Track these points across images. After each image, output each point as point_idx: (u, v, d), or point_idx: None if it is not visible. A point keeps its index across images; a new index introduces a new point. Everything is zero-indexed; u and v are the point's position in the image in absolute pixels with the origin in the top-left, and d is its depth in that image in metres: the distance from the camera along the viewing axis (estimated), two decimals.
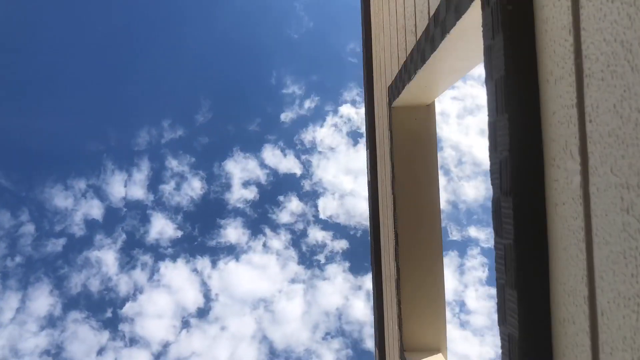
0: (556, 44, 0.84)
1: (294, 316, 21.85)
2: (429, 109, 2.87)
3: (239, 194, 23.15)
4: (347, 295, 22.16)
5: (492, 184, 1.04)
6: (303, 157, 24.11)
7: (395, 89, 2.77)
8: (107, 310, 20.99)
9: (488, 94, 1.05)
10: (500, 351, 1.02)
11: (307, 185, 23.72)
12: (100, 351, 20.21)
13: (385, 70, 3.20)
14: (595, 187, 0.73)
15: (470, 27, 1.42)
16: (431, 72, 2.09)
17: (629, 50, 0.63)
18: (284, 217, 23.27)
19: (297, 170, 23.74)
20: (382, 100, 3.36)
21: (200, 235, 22.98)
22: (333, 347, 21.15)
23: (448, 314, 2.92)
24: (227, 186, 23.16)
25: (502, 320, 1.00)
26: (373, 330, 4.03)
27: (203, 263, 22.22)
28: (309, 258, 23.05)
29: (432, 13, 1.78)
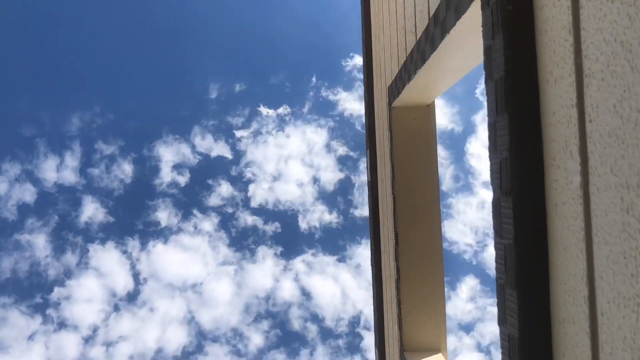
0: (556, 44, 0.84)
1: (223, 298, 22.06)
2: (429, 109, 2.87)
3: (170, 177, 23.03)
4: (277, 278, 22.43)
5: (492, 184, 1.04)
6: (233, 141, 24.13)
7: (395, 89, 2.77)
8: (36, 294, 20.94)
9: (488, 94, 1.05)
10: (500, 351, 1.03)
11: (237, 169, 23.76)
12: (31, 336, 20.14)
13: (385, 70, 3.20)
14: (595, 187, 0.73)
15: (470, 27, 1.42)
16: (431, 72, 2.09)
17: (629, 50, 0.63)
18: (214, 200, 23.25)
19: (228, 154, 23.72)
20: (382, 100, 3.36)
21: (130, 218, 22.91)
22: (261, 329, 21.49)
23: None
24: (157, 169, 23.02)
25: (502, 320, 1.00)
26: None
27: (133, 246, 22.19)
28: (239, 241, 23.25)
29: (432, 13, 1.78)
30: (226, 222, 23.08)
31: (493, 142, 1.03)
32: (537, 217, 0.91)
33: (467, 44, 1.62)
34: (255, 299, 21.83)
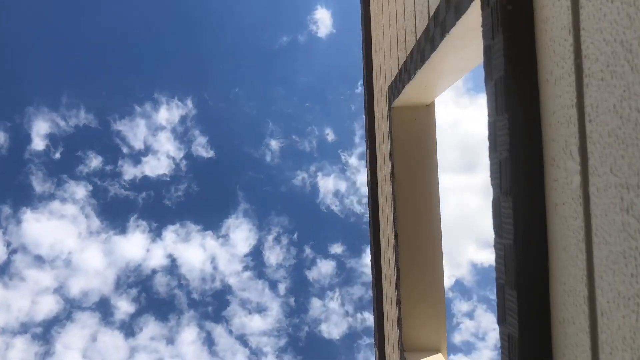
0: (556, 44, 0.84)
1: (93, 268, 22.37)
2: (429, 109, 2.87)
3: (40, 146, 22.84)
4: (147, 247, 22.88)
5: (492, 184, 1.04)
6: (107, 112, 24.10)
7: (395, 89, 2.77)
8: None
9: (488, 94, 1.05)
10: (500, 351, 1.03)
11: (109, 140, 23.75)
12: None
13: (385, 70, 3.20)
14: (595, 187, 0.73)
15: (470, 27, 1.42)
16: (431, 72, 2.09)
17: (629, 50, 0.63)
18: (84, 170, 23.33)
19: (99, 125, 23.64)
20: (382, 100, 3.36)
21: None
22: (131, 296, 21.97)
23: None
24: (28, 138, 22.78)
25: (502, 320, 1.00)
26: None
27: (2, 215, 22.20)
28: (109, 211, 23.43)
29: (432, 13, 1.78)
30: (97, 192, 23.31)
31: (493, 142, 1.03)
32: (537, 217, 0.91)
33: (467, 44, 1.62)
34: (124, 268, 22.33)
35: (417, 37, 2.09)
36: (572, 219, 0.80)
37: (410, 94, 2.61)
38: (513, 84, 0.94)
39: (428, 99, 2.76)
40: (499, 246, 1.01)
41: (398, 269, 2.84)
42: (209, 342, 21.61)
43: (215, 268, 22.73)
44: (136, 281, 22.18)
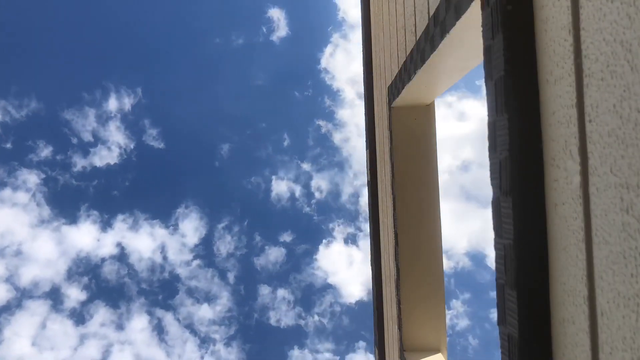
0: (556, 44, 0.84)
1: (43, 256, 22.52)
2: (429, 108, 2.87)
3: None
4: (97, 237, 23.08)
5: (492, 184, 1.04)
6: (57, 101, 24.16)
7: (395, 89, 2.77)
8: None
9: (488, 94, 1.05)
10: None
11: (58, 128, 23.75)
12: None
13: (385, 70, 3.20)
14: (595, 187, 0.73)
15: (470, 27, 1.42)
16: (431, 72, 2.09)
17: (629, 50, 0.63)
18: (35, 159, 23.31)
19: (49, 114, 23.70)
20: (382, 100, 3.36)
21: None
22: (80, 285, 22.24)
23: None
24: None
25: (502, 320, 1.00)
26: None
27: None
28: (60, 201, 23.54)
29: (431, 13, 1.78)
30: (48, 181, 23.38)
31: (493, 142, 1.03)
32: (537, 217, 0.91)
33: (467, 44, 1.62)
34: (75, 257, 22.57)
35: (417, 37, 2.09)
36: (572, 219, 0.80)
37: (410, 94, 2.61)
38: (513, 84, 0.94)
39: (428, 99, 2.76)
40: (499, 246, 1.01)
41: (398, 269, 2.84)
42: (159, 330, 21.97)
43: (164, 257, 23.10)
44: (86, 270, 22.49)
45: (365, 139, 4.16)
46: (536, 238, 0.91)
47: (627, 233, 0.64)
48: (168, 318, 22.06)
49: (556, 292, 0.87)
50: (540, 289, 0.90)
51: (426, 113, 2.87)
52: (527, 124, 0.93)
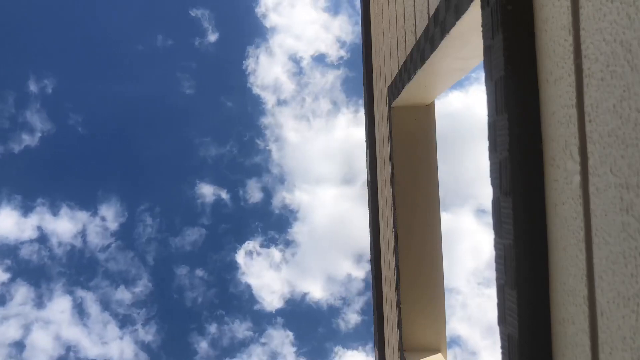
0: (556, 44, 0.84)
1: None
2: (429, 108, 2.87)
3: None
4: (17, 222, 22.99)
5: (492, 184, 1.04)
6: None
7: (394, 88, 2.77)
8: None
9: (488, 94, 1.05)
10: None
11: None
12: None
13: (385, 70, 3.20)
14: (595, 187, 0.73)
15: (470, 27, 1.42)
16: (431, 72, 2.09)
17: (629, 50, 0.63)
18: None
19: None
20: (382, 100, 3.36)
21: None
22: (1, 267, 22.22)
23: None
24: None
25: (502, 320, 1.00)
26: (373, 330, 4.03)
27: None
28: None
29: (431, 13, 1.78)
30: None
31: (493, 142, 1.03)
32: (537, 217, 0.91)
33: (466, 44, 1.62)
34: None
35: (417, 37, 2.09)
36: (572, 219, 0.80)
37: (410, 94, 2.61)
38: (513, 84, 0.94)
39: (428, 99, 2.76)
40: (498, 246, 1.01)
41: (398, 269, 2.84)
42: (79, 311, 22.11)
43: (85, 240, 23.15)
44: (6, 253, 22.53)
45: (365, 139, 4.16)
46: (536, 238, 0.91)
47: (627, 233, 0.64)
48: (88, 299, 22.39)
49: (556, 292, 0.87)
50: (540, 289, 0.90)
51: (426, 113, 2.87)
52: (527, 124, 0.93)
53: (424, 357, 2.79)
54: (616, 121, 0.67)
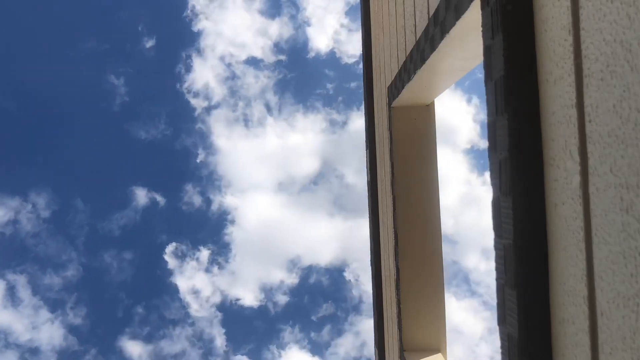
0: (556, 44, 0.84)
1: None
2: (429, 108, 2.87)
3: None
4: None
5: (492, 184, 1.04)
6: None
7: (394, 89, 2.77)
8: None
9: (487, 94, 1.05)
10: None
11: None
12: None
13: (385, 70, 3.20)
14: (595, 187, 0.73)
15: (470, 27, 1.42)
16: (431, 72, 2.09)
17: (629, 50, 0.63)
18: None
19: None
20: (382, 100, 3.36)
21: None
22: None
23: None
24: None
25: (502, 320, 1.00)
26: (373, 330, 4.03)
27: None
28: None
29: (431, 13, 1.78)
30: None
31: (493, 142, 1.03)
32: (537, 217, 0.91)
33: (466, 44, 1.62)
34: None
35: (417, 37, 2.09)
36: (572, 219, 0.80)
37: (410, 94, 2.61)
38: (513, 84, 0.94)
39: (428, 99, 2.76)
40: (498, 246, 1.01)
41: (398, 269, 2.84)
42: (11, 295, 22.37)
43: (16, 225, 23.30)
44: None
45: (365, 139, 4.16)
46: (536, 238, 0.91)
47: (627, 233, 0.64)
48: (19, 284, 22.67)
49: (556, 292, 0.87)
50: (540, 289, 0.90)
51: (426, 113, 2.87)
52: (527, 124, 0.93)
53: (424, 357, 2.79)
54: (616, 121, 0.67)
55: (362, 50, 4.17)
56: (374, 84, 3.88)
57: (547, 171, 0.90)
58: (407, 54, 2.38)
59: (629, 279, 0.64)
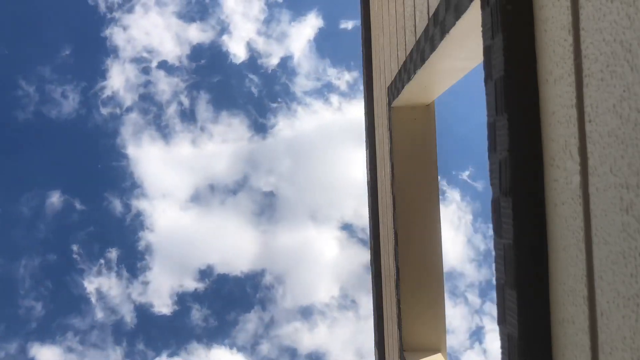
0: (556, 44, 0.84)
1: None
2: (429, 109, 2.87)
3: None
4: None
5: (492, 184, 1.04)
6: None
7: (394, 88, 2.77)
8: None
9: (487, 94, 1.05)
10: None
11: None
12: None
13: (385, 70, 3.20)
14: (595, 187, 0.73)
15: (470, 27, 1.42)
16: (431, 72, 2.09)
17: (629, 50, 0.63)
18: None
19: None
20: (382, 100, 3.36)
21: None
22: None
23: None
24: None
25: (502, 320, 1.00)
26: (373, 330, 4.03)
27: None
28: None
29: (431, 13, 1.78)
30: None
31: (492, 142, 1.03)
32: (537, 217, 0.91)
33: (466, 44, 1.62)
34: None
35: (417, 37, 2.09)
36: (572, 219, 0.80)
37: (409, 94, 2.61)
38: (512, 84, 0.94)
39: (428, 99, 2.76)
40: (498, 246, 1.01)
41: (398, 269, 2.84)
42: None
43: None
44: None
45: (365, 139, 4.16)
46: (536, 238, 0.91)
47: (627, 233, 0.64)
48: None
49: (556, 292, 0.87)
50: (540, 289, 0.90)
51: (426, 113, 2.87)
52: (527, 124, 0.93)
53: (424, 357, 2.79)
54: (616, 121, 0.67)
55: (362, 50, 4.17)
56: (374, 83, 3.88)
57: (547, 171, 0.90)
58: (407, 54, 2.38)
59: (629, 279, 0.64)
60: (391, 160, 2.92)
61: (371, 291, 4.09)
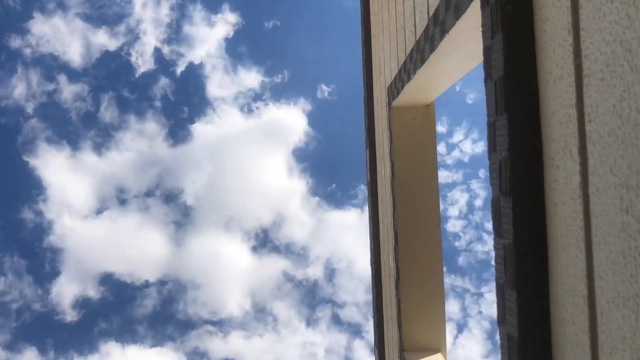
0: (555, 44, 0.84)
1: None
2: (429, 109, 2.87)
3: None
4: None
5: (492, 184, 1.04)
6: None
7: (394, 89, 2.77)
8: None
9: (487, 94, 1.05)
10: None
11: None
12: None
13: (385, 70, 3.20)
14: (595, 187, 0.73)
15: (470, 27, 1.42)
16: (431, 72, 2.09)
17: (629, 50, 0.63)
18: None
19: None
20: (382, 100, 3.36)
21: None
22: None
23: None
24: None
25: (502, 320, 1.00)
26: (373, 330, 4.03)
27: None
28: None
29: (431, 13, 1.78)
30: None
31: (492, 142, 1.03)
32: (537, 217, 0.91)
33: (466, 44, 1.62)
34: None
35: (417, 37, 2.09)
36: (572, 219, 0.80)
37: (409, 94, 2.61)
38: (512, 84, 0.94)
39: (428, 99, 2.76)
40: (498, 246, 1.01)
41: (398, 269, 2.84)
42: None
43: None
44: None
45: (365, 139, 4.16)
46: (536, 238, 0.91)
47: (627, 233, 0.64)
48: None
49: (556, 292, 0.87)
50: (540, 289, 0.90)
51: (426, 113, 2.87)
52: (527, 124, 0.93)
53: (424, 357, 2.79)
54: (616, 121, 0.67)
55: (362, 50, 4.17)
56: (374, 83, 3.88)
57: (547, 171, 0.90)
58: (407, 54, 2.38)
59: (629, 279, 0.64)
60: (391, 160, 2.92)
61: (371, 291, 4.09)
